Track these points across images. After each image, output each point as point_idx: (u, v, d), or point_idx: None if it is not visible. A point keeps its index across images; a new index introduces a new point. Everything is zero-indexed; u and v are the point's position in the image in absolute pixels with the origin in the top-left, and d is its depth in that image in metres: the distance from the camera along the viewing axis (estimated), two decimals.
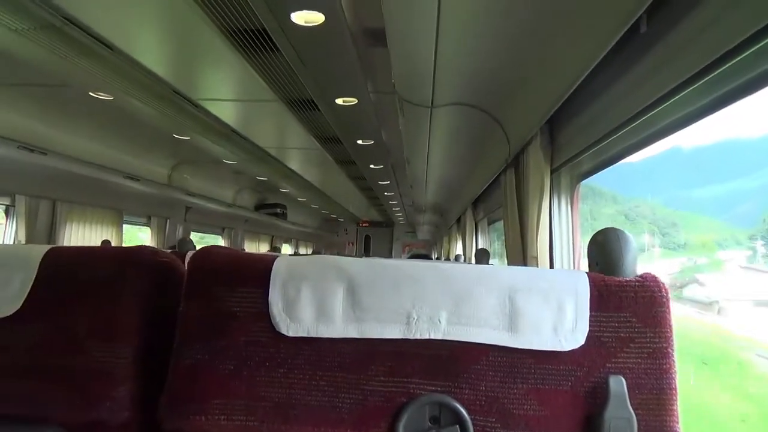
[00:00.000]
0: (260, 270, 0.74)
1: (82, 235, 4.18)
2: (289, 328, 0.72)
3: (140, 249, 0.81)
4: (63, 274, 0.79)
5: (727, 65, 1.00)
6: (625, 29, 1.17)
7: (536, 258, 2.00)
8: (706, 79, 1.06)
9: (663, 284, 0.73)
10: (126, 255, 0.80)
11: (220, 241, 7.39)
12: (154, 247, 0.82)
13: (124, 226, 4.95)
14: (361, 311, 0.72)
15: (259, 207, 8.22)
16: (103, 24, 2.27)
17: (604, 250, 0.76)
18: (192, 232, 6.11)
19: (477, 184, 3.58)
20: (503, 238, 4.41)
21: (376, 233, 13.86)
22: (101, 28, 2.29)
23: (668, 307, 0.72)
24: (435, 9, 1.46)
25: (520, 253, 2.26)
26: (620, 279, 0.73)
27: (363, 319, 0.72)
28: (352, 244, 13.88)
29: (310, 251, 12.11)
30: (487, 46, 1.69)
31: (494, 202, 3.57)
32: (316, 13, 2.12)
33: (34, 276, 0.78)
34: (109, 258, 0.80)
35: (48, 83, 2.89)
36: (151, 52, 2.63)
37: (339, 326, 0.71)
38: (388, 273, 0.74)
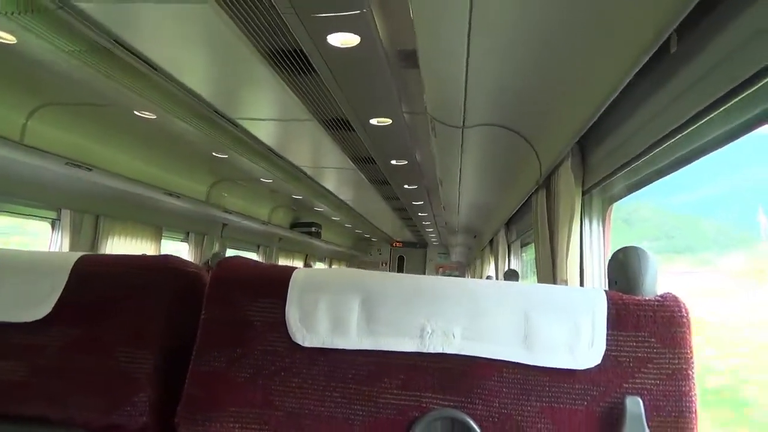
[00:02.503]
0: (279, 281, 0.76)
1: (122, 249, 4.30)
2: (305, 338, 0.73)
3: (167, 258, 0.84)
4: (93, 281, 0.82)
5: (760, 84, 0.98)
6: (655, 49, 1.17)
7: (566, 281, 1.97)
8: (740, 98, 1.04)
9: (684, 305, 0.71)
10: (154, 264, 0.83)
11: (255, 258, 7.48)
12: (180, 257, 0.84)
13: (164, 241, 5.09)
14: (376, 324, 0.72)
15: (294, 225, 8.32)
16: (149, 45, 2.38)
17: (624, 269, 0.75)
18: (228, 249, 6.22)
19: (509, 205, 3.56)
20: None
21: (409, 254, 13.81)
22: (147, 49, 2.40)
23: (689, 327, 0.70)
24: (465, 31, 1.48)
25: (551, 276, 2.23)
26: (639, 298, 0.72)
27: (377, 332, 0.72)
28: (385, 264, 13.86)
29: None
30: (518, 66, 1.70)
31: (527, 224, 3.54)
32: (352, 35, 2.18)
33: (65, 281, 0.81)
34: (138, 266, 0.82)
35: (96, 102, 3.03)
36: (193, 72, 2.74)
37: (354, 338, 0.72)
38: (403, 286, 0.74)
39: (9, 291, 0.81)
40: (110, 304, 0.80)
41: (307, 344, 0.73)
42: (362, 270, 0.78)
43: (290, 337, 0.73)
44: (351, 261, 13.29)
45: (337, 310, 0.73)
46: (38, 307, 0.80)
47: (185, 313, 0.81)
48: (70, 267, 0.82)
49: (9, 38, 2.17)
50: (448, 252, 13.06)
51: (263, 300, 0.75)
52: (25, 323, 0.80)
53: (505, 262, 4.35)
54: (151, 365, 0.77)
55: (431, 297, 0.73)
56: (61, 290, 0.81)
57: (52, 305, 0.80)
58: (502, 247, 4.37)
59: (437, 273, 13.39)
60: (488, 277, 4.75)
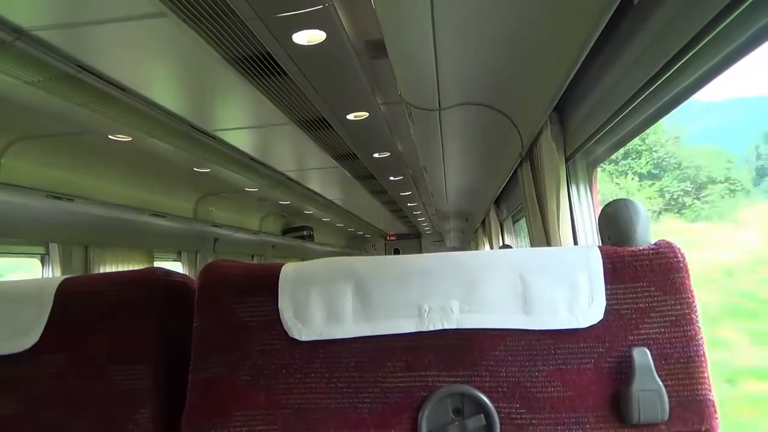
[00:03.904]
0: (268, 278, 0.75)
1: None
2: (301, 333, 0.72)
3: (152, 271, 0.83)
4: (78, 303, 0.80)
5: (722, 25, 0.98)
6: (618, 2, 1.16)
7: None
8: (705, 41, 1.04)
9: (679, 250, 0.71)
10: (138, 278, 0.82)
11: None
12: (165, 268, 0.83)
13: (157, 262, 5.05)
14: (372, 309, 0.72)
15: (286, 231, 8.30)
16: (115, 67, 2.34)
17: (615, 222, 0.75)
18: None
19: (495, 182, 3.56)
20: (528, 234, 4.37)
21: (404, 246, 13.83)
22: (113, 71, 2.37)
23: (687, 272, 0.70)
24: (429, 12, 1.47)
25: (545, 247, 2.23)
26: (633, 249, 0.72)
27: (374, 316, 0.71)
28: None
29: None
30: (485, 41, 1.70)
31: (515, 200, 3.54)
32: (317, 31, 2.16)
33: (50, 307, 0.80)
34: (122, 282, 0.81)
35: (69, 131, 2.99)
36: (162, 89, 2.71)
37: (351, 326, 0.71)
38: (395, 268, 0.73)
39: None
40: (99, 324, 0.79)
41: (304, 338, 0.72)
42: (352, 257, 0.77)
43: (287, 333, 0.72)
44: None
45: (331, 300, 0.72)
46: (26, 336, 0.79)
47: (178, 322, 0.80)
48: (54, 291, 0.81)
49: None
50: (443, 239, 13.08)
51: (255, 299, 0.74)
52: (14, 354, 0.78)
53: (498, 241, 4.36)
54: (149, 380, 0.76)
55: (424, 274, 0.72)
56: (47, 316, 0.80)
57: (40, 332, 0.79)
58: (494, 227, 4.38)
59: None
60: None
